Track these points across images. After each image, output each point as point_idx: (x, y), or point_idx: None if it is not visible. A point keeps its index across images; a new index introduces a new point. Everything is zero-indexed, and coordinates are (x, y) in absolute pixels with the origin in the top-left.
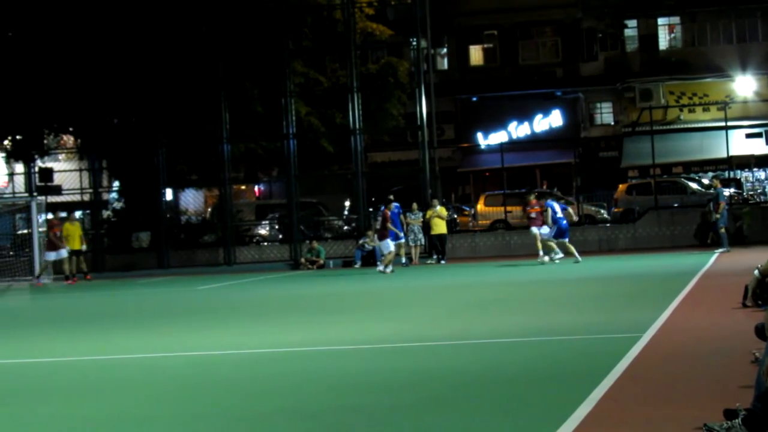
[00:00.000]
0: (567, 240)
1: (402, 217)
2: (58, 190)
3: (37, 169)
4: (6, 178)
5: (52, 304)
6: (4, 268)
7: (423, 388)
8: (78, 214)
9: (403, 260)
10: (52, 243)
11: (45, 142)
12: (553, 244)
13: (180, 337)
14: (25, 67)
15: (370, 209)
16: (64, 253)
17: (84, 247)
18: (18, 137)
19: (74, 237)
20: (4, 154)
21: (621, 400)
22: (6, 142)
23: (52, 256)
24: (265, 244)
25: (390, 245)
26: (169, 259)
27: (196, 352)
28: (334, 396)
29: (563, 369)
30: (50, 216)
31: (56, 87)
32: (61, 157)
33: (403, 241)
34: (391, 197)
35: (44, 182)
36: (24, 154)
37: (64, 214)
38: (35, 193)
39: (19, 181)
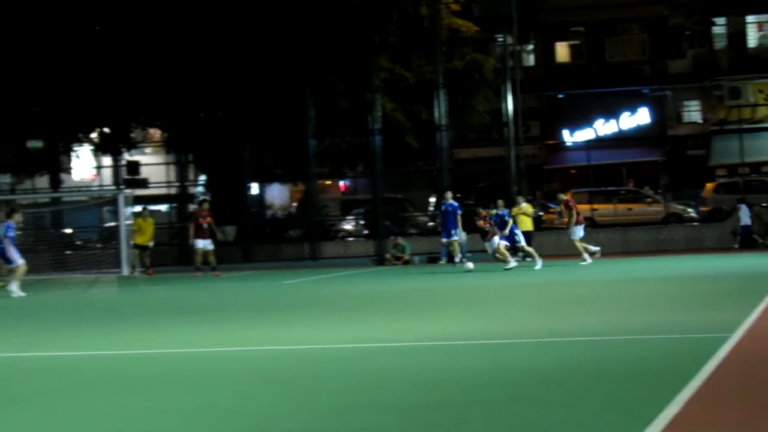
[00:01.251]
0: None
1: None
2: (144, 183)
3: (124, 162)
4: (94, 171)
5: (140, 296)
6: (92, 261)
7: (509, 385)
8: (163, 207)
9: (457, 258)
10: (201, 231)
11: (132, 135)
12: (507, 253)
13: (266, 331)
14: (113, 60)
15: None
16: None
17: (151, 244)
18: (106, 130)
19: (146, 232)
20: (92, 147)
21: (710, 402)
22: (94, 135)
23: (199, 243)
24: (350, 239)
25: (495, 242)
26: (255, 254)
27: (282, 347)
28: (420, 392)
29: (650, 368)
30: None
31: (144, 81)
32: (148, 150)
33: (455, 239)
34: (448, 194)
35: (131, 175)
36: (112, 147)
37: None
38: (122, 186)
39: (107, 174)
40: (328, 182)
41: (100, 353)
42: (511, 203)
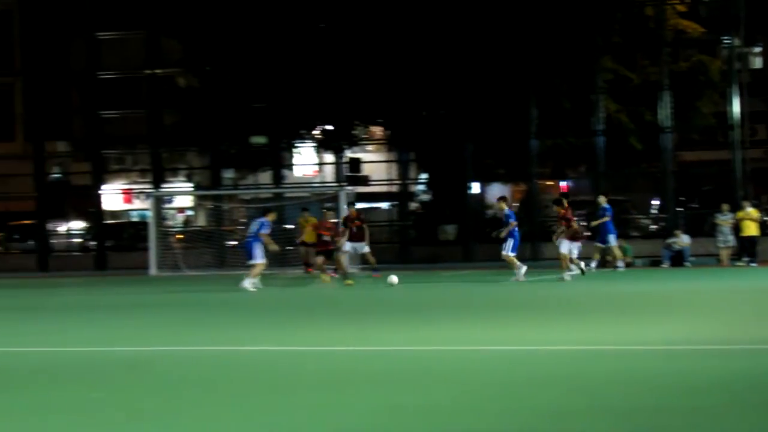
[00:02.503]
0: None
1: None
2: (365, 181)
3: (346, 159)
4: (315, 168)
5: (349, 293)
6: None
7: (734, 391)
8: (384, 205)
9: (593, 264)
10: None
11: (354, 132)
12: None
13: (484, 332)
14: (337, 58)
15: (679, 209)
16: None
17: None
18: (328, 127)
19: (309, 230)
20: (314, 144)
21: None
22: (316, 132)
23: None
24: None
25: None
26: (475, 253)
27: (503, 347)
28: (646, 396)
29: None
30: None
31: (368, 78)
32: (369, 148)
33: (612, 244)
34: (602, 198)
35: (353, 172)
36: (334, 145)
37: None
38: (344, 183)
39: (328, 171)
40: (550, 183)
41: (317, 349)
42: (736, 207)
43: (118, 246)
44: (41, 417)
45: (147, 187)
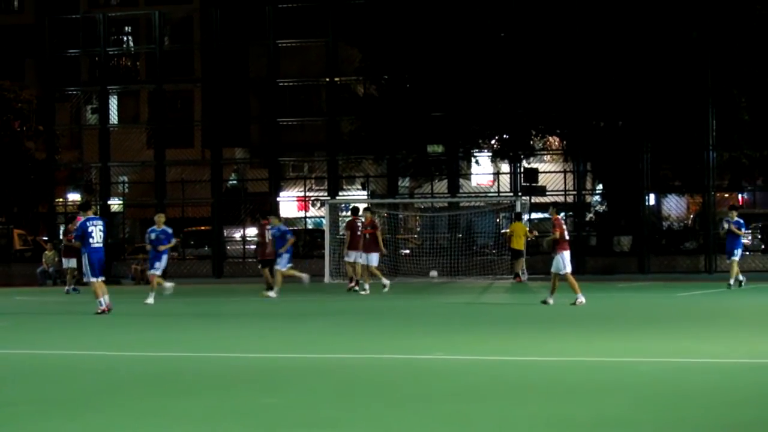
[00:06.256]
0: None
1: None
2: (542, 191)
3: (522, 169)
4: (491, 177)
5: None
6: (487, 266)
7: None
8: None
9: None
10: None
11: (531, 142)
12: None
13: (658, 343)
14: (516, 68)
15: None
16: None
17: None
18: (505, 137)
19: (520, 237)
20: (490, 153)
21: None
22: (493, 142)
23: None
24: (747, 253)
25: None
26: (650, 265)
27: (671, 359)
28: None
29: None
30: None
31: (545, 89)
32: (546, 158)
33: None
34: (734, 213)
35: (529, 182)
36: (510, 154)
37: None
38: (520, 193)
39: (504, 181)
40: (726, 195)
41: (504, 359)
42: None
43: (294, 253)
44: (215, 422)
45: (323, 195)
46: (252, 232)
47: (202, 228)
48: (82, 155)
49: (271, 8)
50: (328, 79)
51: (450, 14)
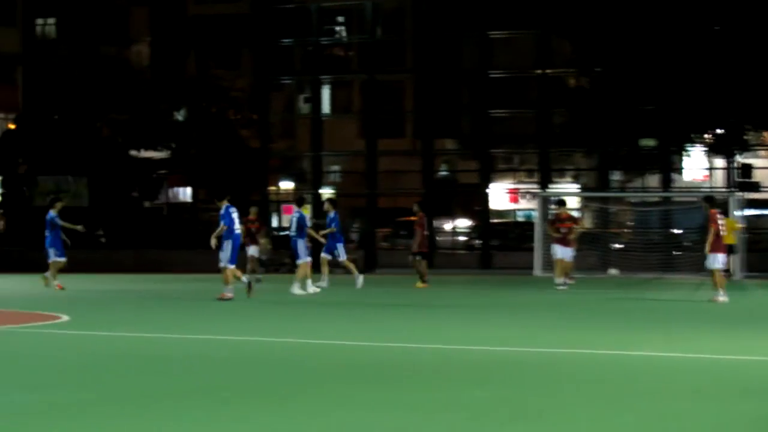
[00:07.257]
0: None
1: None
2: (756, 187)
3: (737, 164)
4: (705, 172)
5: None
6: (699, 263)
7: None
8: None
9: None
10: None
11: (746, 137)
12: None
13: None
14: (730, 61)
15: None
16: None
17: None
18: (719, 131)
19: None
20: (704, 148)
21: None
22: (707, 136)
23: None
24: None
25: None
26: None
27: None
28: None
29: None
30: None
31: (761, 83)
32: (762, 153)
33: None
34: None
35: (743, 178)
36: (724, 149)
37: None
38: (733, 189)
39: (718, 176)
40: None
41: (710, 357)
42: None
43: (503, 245)
44: (427, 412)
45: (534, 187)
46: (464, 223)
47: (413, 218)
48: (294, 144)
49: None
50: (539, 71)
51: (663, 6)
